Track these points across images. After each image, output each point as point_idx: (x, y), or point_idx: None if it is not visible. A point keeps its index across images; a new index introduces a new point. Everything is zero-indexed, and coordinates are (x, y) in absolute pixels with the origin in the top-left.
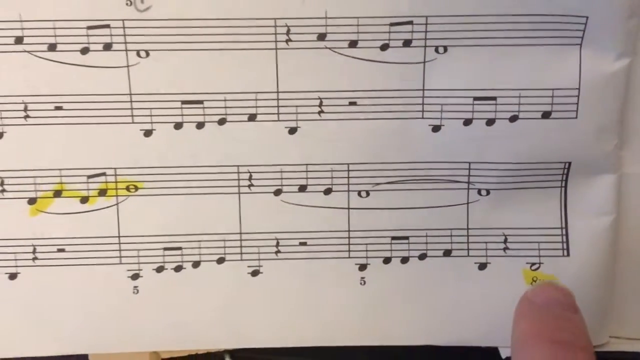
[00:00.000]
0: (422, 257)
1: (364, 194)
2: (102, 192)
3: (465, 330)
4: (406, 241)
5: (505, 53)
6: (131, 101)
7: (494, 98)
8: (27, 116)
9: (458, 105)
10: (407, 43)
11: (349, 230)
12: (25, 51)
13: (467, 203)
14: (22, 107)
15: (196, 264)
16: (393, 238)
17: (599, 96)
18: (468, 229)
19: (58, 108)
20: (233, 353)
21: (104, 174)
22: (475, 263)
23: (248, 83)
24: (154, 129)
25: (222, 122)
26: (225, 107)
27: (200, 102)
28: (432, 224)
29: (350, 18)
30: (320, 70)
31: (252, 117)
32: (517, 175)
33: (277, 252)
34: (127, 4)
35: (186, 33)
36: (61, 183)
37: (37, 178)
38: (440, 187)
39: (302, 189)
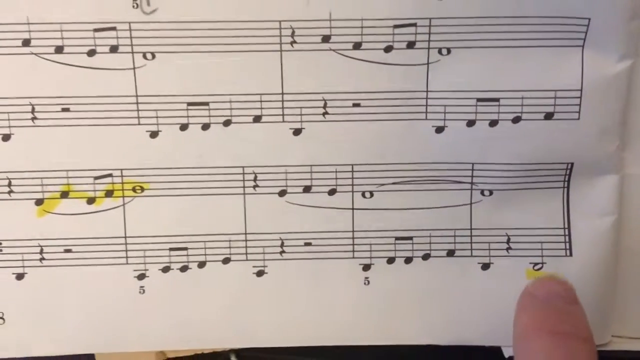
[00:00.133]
0: (426, 257)
1: (368, 194)
2: (109, 193)
3: (469, 329)
4: (410, 241)
5: (508, 55)
6: (137, 103)
7: (497, 99)
8: (34, 118)
9: (461, 106)
10: (410, 45)
11: (353, 231)
12: (32, 53)
13: (471, 203)
14: (29, 108)
15: (202, 264)
16: (397, 238)
17: (601, 97)
18: (471, 229)
19: (65, 110)
20: (238, 352)
21: (110, 175)
22: (479, 263)
23: (253, 85)
24: (160, 130)
25: (227, 123)
26: (231, 109)
27: (206, 103)
28: (436, 225)
29: (354, 20)
30: (324, 72)
31: (257, 119)
32: (520, 176)
33: (282, 252)
34: (133, 7)
35: (192, 35)
36: (68, 184)
37: (44, 179)
38: (443, 187)
39: (307, 189)
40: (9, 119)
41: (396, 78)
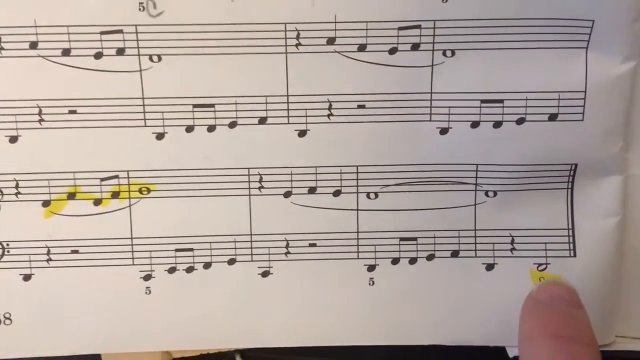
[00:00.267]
0: (430, 257)
1: (372, 195)
2: (115, 195)
3: (473, 330)
4: (414, 242)
5: (512, 56)
6: (143, 105)
7: (501, 101)
8: (41, 120)
9: (465, 108)
10: (415, 47)
11: (357, 232)
12: (39, 56)
13: (475, 204)
14: (36, 111)
15: (207, 265)
16: (401, 239)
17: (605, 99)
18: (475, 230)
19: (72, 112)
20: (243, 353)
21: (117, 177)
22: (483, 264)
23: (258, 86)
24: (166, 132)
25: (232, 125)
26: (236, 111)
27: (212, 105)
28: (440, 225)
29: (359, 22)
30: (329, 74)
31: (262, 120)
32: (524, 177)
33: (287, 253)
34: (139, 10)
35: (198, 38)
36: (75, 186)
37: (51, 181)
38: (447, 188)
39: (312, 190)
40: (16, 121)
41: (401, 80)
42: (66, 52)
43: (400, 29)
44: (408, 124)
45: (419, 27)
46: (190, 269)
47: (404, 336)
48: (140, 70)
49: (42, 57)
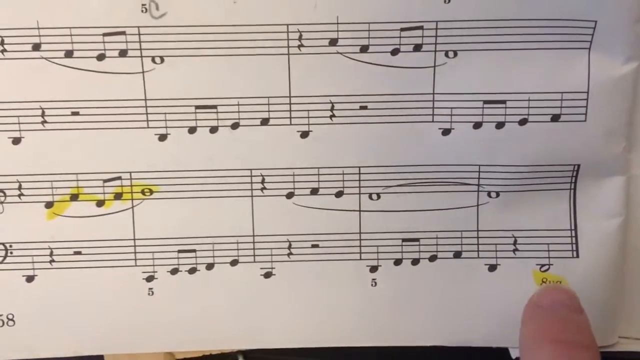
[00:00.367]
0: (433, 258)
1: (375, 196)
2: (118, 196)
3: (476, 330)
4: (417, 243)
5: (514, 57)
6: (146, 106)
7: (504, 102)
8: (44, 121)
9: (468, 108)
10: (417, 48)
11: (360, 232)
12: (42, 58)
13: (477, 205)
14: (39, 112)
15: (210, 266)
16: (404, 240)
17: (607, 99)
18: (478, 230)
19: (75, 113)
20: (246, 354)
21: (119, 178)
22: (485, 264)
23: (261, 88)
24: (169, 134)
25: (235, 126)
26: (239, 112)
27: (214, 106)
28: (443, 226)
29: (361, 23)
30: (331, 75)
31: (264, 122)
32: (526, 178)
33: (290, 254)
34: (142, 11)
35: (200, 39)
36: (78, 187)
37: (54, 182)
38: (450, 189)
39: (314, 191)
40: (19, 123)
41: (403, 81)
42: (69, 54)
43: (402, 29)
44: (410, 125)
45: (421, 28)
46: (192, 270)
47: (406, 337)
48: (143, 72)
49: (45, 58)
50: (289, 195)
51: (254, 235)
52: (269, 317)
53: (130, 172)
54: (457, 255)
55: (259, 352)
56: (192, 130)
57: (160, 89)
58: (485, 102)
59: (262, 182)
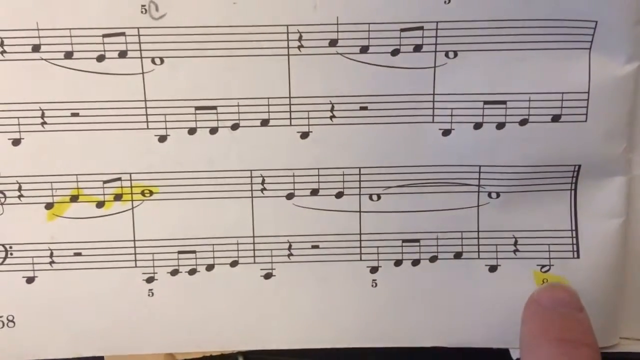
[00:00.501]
0: (433, 259)
1: (375, 197)
2: (118, 197)
3: (476, 331)
4: (417, 244)
5: (515, 57)
6: (146, 107)
7: (504, 102)
8: (44, 123)
9: (468, 109)
10: (417, 48)
11: (360, 233)
12: (42, 59)
13: (478, 206)
14: (39, 113)
15: (210, 267)
16: (404, 241)
17: (608, 100)
18: (478, 231)
19: (74, 115)
20: (246, 355)
21: (119, 179)
22: (486, 265)
23: (261, 89)
24: (169, 135)
25: (235, 127)
26: (239, 113)
27: (214, 107)
28: (443, 227)
29: (361, 24)
30: (331, 76)
31: (264, 122)
32: (527, 178)
33: (290, 255)
34: (142, 12)
35: (200, 40)
36: (77, 188)
37: (54, 183)
38: (450, 190)
39: (314, 192)
40: (19, 124)
41: (403, 81)
42: (68, 55)
43: (402, 30)
44: (410, 126)
45: (421, 28)
46: (192, 271)
47: (407, 338)
48: (143, 73)
49: (45, 60)
50: (289, 196)
51: (254, 236)
52: (269, 317)
53: (130, 173)
54: (458, 256)
55: (259, 353)
56: (192, 131)
57: (160, 90)
58: (486, 102)
59: (262, 183)
